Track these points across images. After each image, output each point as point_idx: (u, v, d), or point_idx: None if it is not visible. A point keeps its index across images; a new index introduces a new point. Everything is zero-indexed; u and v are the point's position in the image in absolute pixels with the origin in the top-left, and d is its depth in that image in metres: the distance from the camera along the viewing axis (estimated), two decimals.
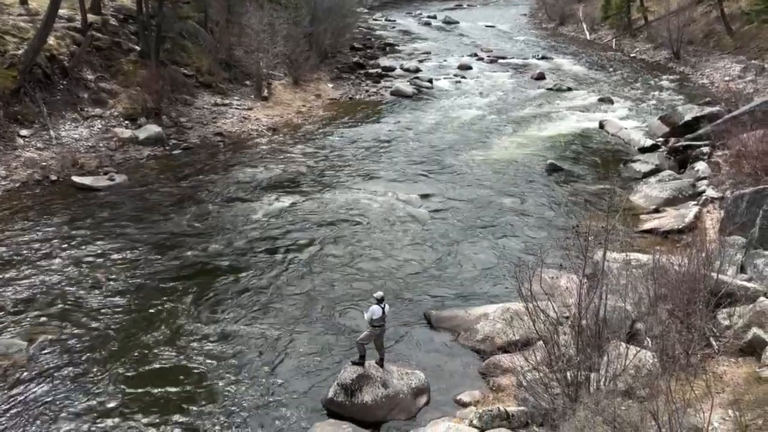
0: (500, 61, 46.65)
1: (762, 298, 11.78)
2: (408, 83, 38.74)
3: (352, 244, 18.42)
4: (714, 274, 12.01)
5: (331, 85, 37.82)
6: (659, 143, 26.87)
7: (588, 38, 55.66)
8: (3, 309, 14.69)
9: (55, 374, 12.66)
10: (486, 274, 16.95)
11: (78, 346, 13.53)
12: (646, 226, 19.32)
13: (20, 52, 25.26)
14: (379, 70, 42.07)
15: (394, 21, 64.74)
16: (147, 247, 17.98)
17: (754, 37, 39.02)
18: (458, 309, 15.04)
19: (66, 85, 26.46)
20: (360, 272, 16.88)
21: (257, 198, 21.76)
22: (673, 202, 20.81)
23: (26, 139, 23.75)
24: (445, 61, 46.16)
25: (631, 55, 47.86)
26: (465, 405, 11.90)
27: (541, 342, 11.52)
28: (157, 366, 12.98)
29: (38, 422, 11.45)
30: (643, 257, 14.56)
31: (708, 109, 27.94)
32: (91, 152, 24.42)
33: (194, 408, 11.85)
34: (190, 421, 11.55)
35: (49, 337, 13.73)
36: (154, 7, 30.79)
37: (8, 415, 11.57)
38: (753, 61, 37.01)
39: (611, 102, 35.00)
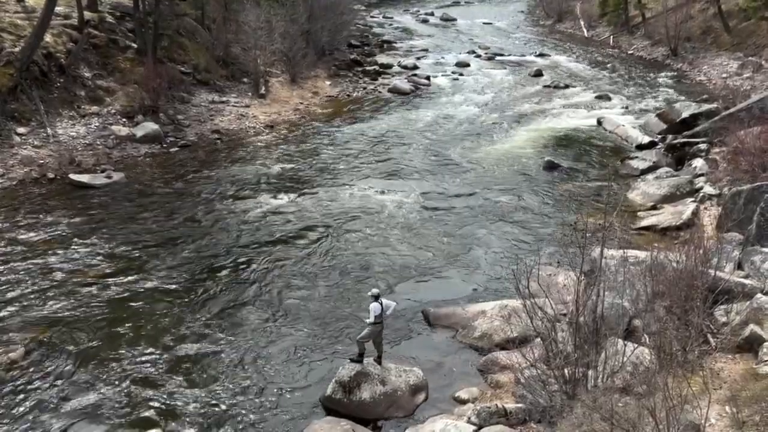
0: (498, 58, 46.61)
1: (759, 295, 11.80)
2: (406, 80, 38.69)
3: (349, 242, 18.43)
4: (711, 271, 12.03)
5: (328, 83, 37.78)
6: (657, 140, 26.88)
7: (586, 35, 55.63)
8: (1, 307, 14.67)
9: (53, 372, 12.65)
10: (483, 271, 16.97)
11: (76, 344, 13.51)
12: (644, 223, 19.34)
13: (17, 49, 25.20)
14: (377, 68, 42.01)
15: (392, 18, 64.65)
16: (145, 244, 17.96)
17: (751, 34, 39.03)
18: (456, 306, 15.05)
19: (63, 82, 26.41)
20: (357, 269, 16.88)
21: (255, 195, 21.75)
22: (670, 199, 20.82)
23: (23, 137, 23.71)
24: (442, 58, 46.10)
25: (629, 52, 47.85)
26: (463, 402, 11.92)
27: (538, 339, 11.56)
28: (155, 363, 12.97)
29: (37, 420, 11.45)
30: (641, 254, 14.57)
31: (705, 106, 27.99)
32: (88, 150, 24.39)
33: (193, 405, 11.86)
34: (189, 418, 11.55)
35: (47, 335, 13.73)
36: (150, 4, 30.75)
37: (7, 413, 11.57)
38: (750, 58, 37.02)
39: (609, 99, 34.99)
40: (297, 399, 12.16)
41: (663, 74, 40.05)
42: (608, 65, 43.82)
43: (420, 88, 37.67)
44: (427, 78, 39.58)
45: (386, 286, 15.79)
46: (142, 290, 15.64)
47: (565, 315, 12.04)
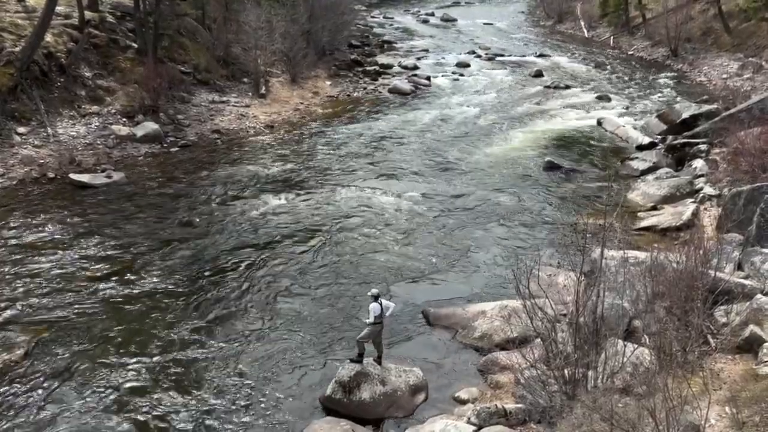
0: (498, 58, 46.63)
1: (759, 296, 11.81)
2: (406, 81, 38.68)
3: (349, 242, 18.43)
4: (711, 272, 12.03)
5: (328, 83, 37.78)
6: (657, 141, 26.89)
7: (586, 36, 55.64)
8: (3, 304, 14.67)
9: (54, 371, 12.64)
10: (484, 271, 16.97)
11: (75, 343, 13.51)
12: (644, 223, 19.35)
13: (17, 49, 25.21)
14: (377, 68, 42.00)
15: (392, 18, 64.68)
16: (144, 244, 17.96)
17: (751, 35, 39.04)
18: (456, 306, 15.05)
19: (63, 82, 26.41)
20: (357, 270, 16.88)
21: (255, 196, 21.74)
22: (670, 199, 20.82)
23: (23, 137, 23.71)
24: (443, 58, 46.11)
25: (629, 52, 47.86)
26: (463, 402, 11.92)
27: (539, 339, 11.56)
28: (154, 363, 12.97)
29: (36, 419, 11.45)
30: (641, 255, 14.57)
31: (706, 107, 27.98)
32: (88, 149, 24.38)
33: (192, 405, 11.85)
34: (188, 418, 11.55)
35: (47, 334, 13.73)
36: (151, 4, 30.75)
37: (6, 411, 11.56)
38: (750, 59, 37.03)
39: (609, 99, 35.00)
40: (296, 399, 12.15)
41: (663, 75, 40.06)
42: (608, 66, 43.83)
43: (420, 89, 37.66)
44: (428, 78, 39.58)
45: (386, 287, 15.78)
46: (141, 292, 15.62)
47: (565, 315, 12.04)
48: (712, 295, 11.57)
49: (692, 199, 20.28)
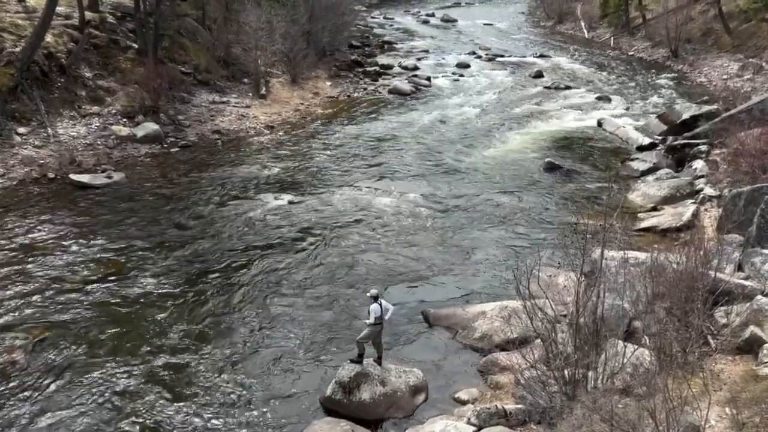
0: (498, 59, 46.62)
1: (759, 297, 11.81)
2: (406, 81, 38.68)
3: (349, 243, 18.42)
4: (711, 273, 12.02)
5: (329, 83, 37.78)
6: (657, 141, 26.89)
7: (586, 36, 55.64)
8: (1, 307, 14.66)
9: (53, 371, 12.64)
10: (484, 272, 16.96)
11: (74, 345, 13.50)
12: (644, 224, 19.34)
13: (18, 49, 25.21)
14: (377, 68, 42.01)
15: (393, 19, 64.68)
16: (144, 245, 17.96)
17: (751, 36, 39.05)
18: (456, 307, 15.05)
19: (64, 82, 26.41)
20: (357, 270, 16.88)
21: (255, 196, 21.74)
22: (671, 200, 20.83)
23: (24, 137, 23.71)
24: (443, 59, 46.11)
25: (629, 53, 47.87)
26: (463, 403, 11.92)
27: (539, 340, 11.56)
28: (154, 363, 12.97)
29: (33, 420, 11.44)
30: (641, 255, 14.56)
31: (706, 108, 27.97)
32: (88, 150, 24.38)
33: (191, 405, 11.85)
34: (188, 418, 11.55)
35: (46, 335, 13.71)
36: (151, 5, 30.76)
37: (4, 412, 11.55)
38: (751, 60, 37.03)
39: (609, 100, 34.99)
40: (296, 400, 12.15)
41: (663, 76, 40.07)
42: (609, 67, 43.82)
43: (420, 89, 37.66)
44: (428, 79, 39.58)
45: (386, 288, 15.76)
46: (140, 294, 15.60)
47: (565, 316, 12.03)
48: (712, 295, 11.56)
49: (692, 200, 20.28)
